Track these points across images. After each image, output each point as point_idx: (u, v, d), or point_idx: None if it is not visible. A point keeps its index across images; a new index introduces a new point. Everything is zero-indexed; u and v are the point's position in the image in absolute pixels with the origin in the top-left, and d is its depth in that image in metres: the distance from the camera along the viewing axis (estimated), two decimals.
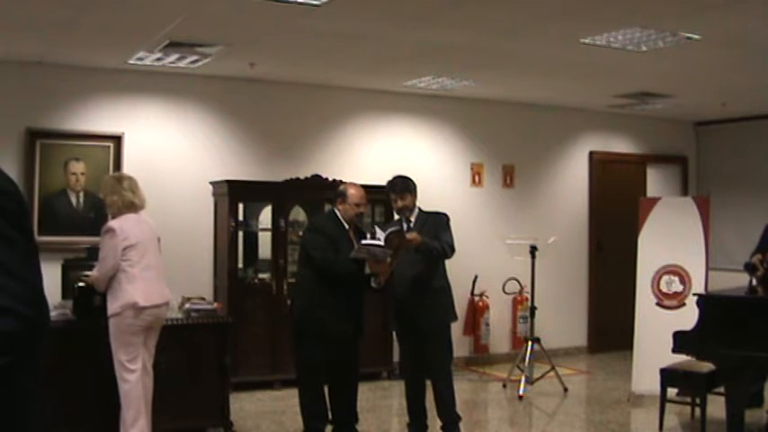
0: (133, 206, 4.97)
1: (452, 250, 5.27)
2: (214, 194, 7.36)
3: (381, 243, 4.92)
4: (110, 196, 4.97)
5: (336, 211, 5.29)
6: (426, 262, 5.22)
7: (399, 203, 5.36)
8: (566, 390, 7.24)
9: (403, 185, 5.37)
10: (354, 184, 5.38)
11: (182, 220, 7.19)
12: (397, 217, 5.56)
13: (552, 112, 9.00)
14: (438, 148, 8.47)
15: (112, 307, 4.79)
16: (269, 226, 7.30)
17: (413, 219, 5.36)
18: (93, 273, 4.97)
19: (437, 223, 5.34)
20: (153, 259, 4.97)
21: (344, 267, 5.03)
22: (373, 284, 5.14)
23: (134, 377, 4.79)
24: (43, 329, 1.85)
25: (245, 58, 6.47)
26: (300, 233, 6.56)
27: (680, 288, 6.76)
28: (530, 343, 7.30)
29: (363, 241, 5.01)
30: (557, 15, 5.13)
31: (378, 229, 5.06)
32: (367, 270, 5.06)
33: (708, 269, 6.75)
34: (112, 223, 4.88)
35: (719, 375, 5.46)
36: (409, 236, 5.06)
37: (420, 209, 5.42)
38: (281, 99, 7.68)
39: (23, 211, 1.83)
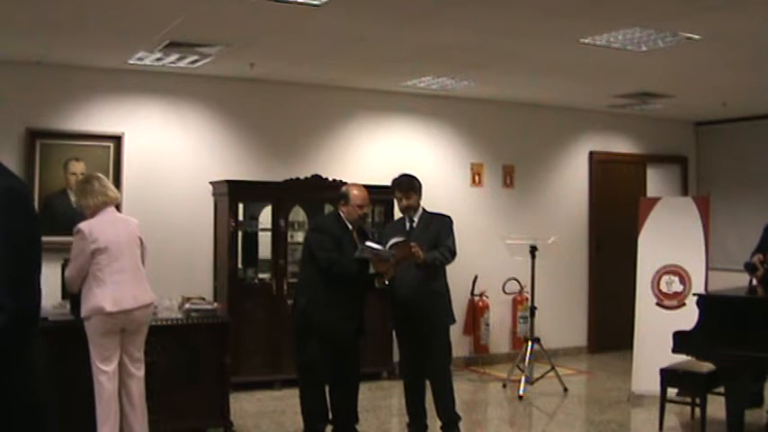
0: (108, 202, 4.87)
1: (453, 255, 5.27)
2: (214, 194, 7.36)
3: (384, 249, 4.93)
4: (83, 200, 4.89)
5: (340, 213, 5.27)
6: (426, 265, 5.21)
7: (404, 203, 5.34)
8: (566, 390, 7.24)
9: (408, 184, 5.34)
10: (357, 185, 5.35)
11: (182, 220, 7.20)
12: (399, 215, 5.54)
13: (552, 112, 9.00)
14: (438, 148, 8.46)
15: (83, 310, 4.77)
16: (269, 226, 7.30)
17: (416, 219, 5.35)
18: (66, 272, 4.92)
19: (440, 226, 5.32)
20: (128, 262, 4.84)
21: (348, 267, 5.02)
22: (377, 285, 5.13)
23: (105, 378, 4.76)
24: (36, 322, 2.13)
25: (245, 58, 6.47)
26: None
27: (680, 288, 6.77)
28: (530, 343, 7.29)
29: (367, 243, 5.00)
30: (557, 15, 5.13)
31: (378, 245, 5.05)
32: (371, 270, 5.05)
33: (708, 269, 6.76)
34: (82, 225, 4.79)
35: (719, 375, 5.46)
36: (414, 249, 5.03)
37: (424, 209, 5.41)
38: (281, 99, 7.67)
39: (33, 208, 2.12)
